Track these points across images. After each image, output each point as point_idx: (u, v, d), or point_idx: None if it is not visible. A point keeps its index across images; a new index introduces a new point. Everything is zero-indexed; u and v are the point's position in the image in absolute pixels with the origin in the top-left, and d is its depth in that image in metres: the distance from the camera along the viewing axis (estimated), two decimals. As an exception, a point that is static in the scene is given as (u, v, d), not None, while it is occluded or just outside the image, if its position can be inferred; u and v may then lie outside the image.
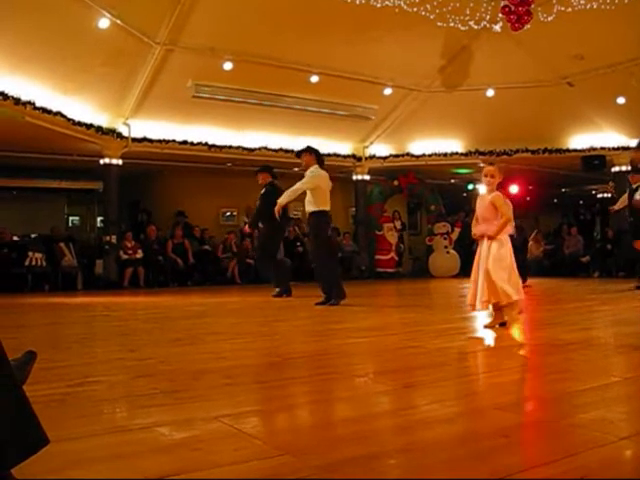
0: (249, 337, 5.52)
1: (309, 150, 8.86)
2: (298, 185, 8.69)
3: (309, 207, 8.54)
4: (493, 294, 5.39)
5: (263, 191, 10.28)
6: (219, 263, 15.17)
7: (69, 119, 12.00)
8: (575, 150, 16.12)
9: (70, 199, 18.28)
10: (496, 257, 5.46)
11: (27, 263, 13.01)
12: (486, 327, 5.56)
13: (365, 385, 3.45)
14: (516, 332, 5.29)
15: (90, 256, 14.23)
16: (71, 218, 18.74)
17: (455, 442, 2.26)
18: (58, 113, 11.64)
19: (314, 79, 13.60)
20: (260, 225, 10.39)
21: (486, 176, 5.71)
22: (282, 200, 8.85)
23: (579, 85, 14.18)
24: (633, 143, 15.92)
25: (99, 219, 17.55)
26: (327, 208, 8.52)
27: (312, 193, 8.50)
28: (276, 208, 8.89)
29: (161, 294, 11.63)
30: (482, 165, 16.98)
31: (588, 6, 11.10)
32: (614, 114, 14.92)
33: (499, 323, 5.56)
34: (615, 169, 16.17)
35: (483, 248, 5.56)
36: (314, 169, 8.64)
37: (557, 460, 2.01)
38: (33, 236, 14.70)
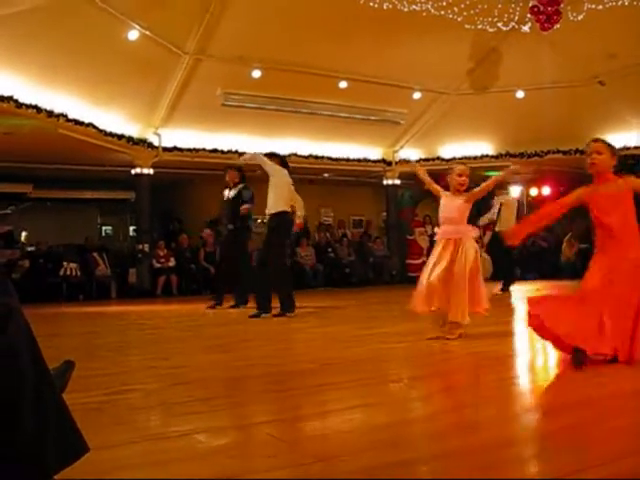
0: (283, 344, 5.53)
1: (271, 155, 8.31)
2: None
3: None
4: (477, 304, 5.15)
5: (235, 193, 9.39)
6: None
7: (101, 130, 12.15)
8: (608, 150, 15.88)
9: (103, 209, 18.49)
10: (475, 265, 5.18)
11: (62, 273, 13.18)
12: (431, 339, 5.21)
13: (399, 390, 3.43)
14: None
15: (123, 265, 14.36)
16: (104, 228, 18.95)
17: (490, 447, 2.23)
18: (90, 124, 11.79)
19: (343, 85, 13.61)
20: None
21: (461, 176, 5.46)
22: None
23: (611, 84, 13.99)
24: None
25: (132, 228, 17.72)
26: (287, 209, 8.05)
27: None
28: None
29: (194, 302, 11.70)
30: (513, 167, 16.89)
31: (619, 3, 10.95)
32: (648, 112, 14.71)
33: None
34: (649, 168, 15.94)
35: (451, 250, 5.18)
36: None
37: (595, 466, 1.98)
38: (67, 246, 14.89)
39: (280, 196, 7.96)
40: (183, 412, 2.85)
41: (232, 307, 9.19)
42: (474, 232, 5.52)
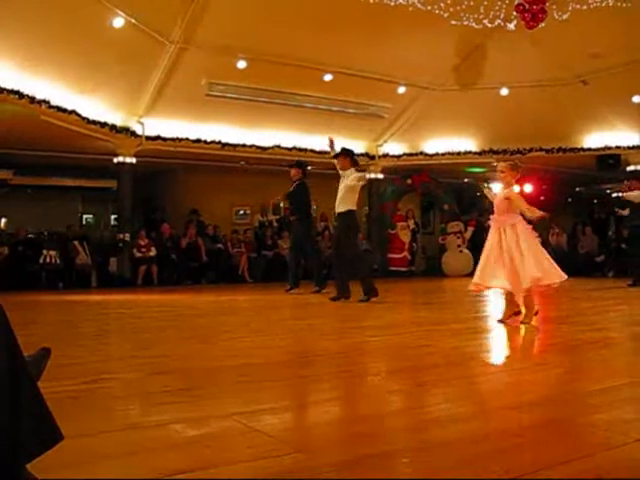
0: (263, 335, 5.53)
1: (345, 153, 9.17)
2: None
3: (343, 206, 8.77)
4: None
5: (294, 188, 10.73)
6: (232, 261, 15.19)
7: (83, 118, 12.05)
8: (590, 149, 16.00)
9: (84, 197, 18.37)
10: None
11: (41, 261, 13.09)
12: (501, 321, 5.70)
13: (379, 384, 3.45)
14: (531, 332, 5.27)
15: (104, 254, 14.29)
16: (85, 216, 18.83)
17: (468, 441, 2.25)
18: (73, 112, 11.69)
19: (328, 77, 13.59)
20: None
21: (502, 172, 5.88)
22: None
23: (594, 83, 14.09)
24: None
25: (113, 217, 17.63)
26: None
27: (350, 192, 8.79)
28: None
29: (174, 292, 11.68)
30: (495, 164, 16.98)
31: (604, 4, 11.02)
32: (629, 113, 14.80)
33: (514, 312, 5.70)
34: (630, 168, 16.04)
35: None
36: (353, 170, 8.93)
37: (571, 460, 2.00)
38: (48, 234, 14.79)
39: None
40: (161, 402, 2.84)
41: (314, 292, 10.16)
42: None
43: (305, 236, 10.57)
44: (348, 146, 15.72)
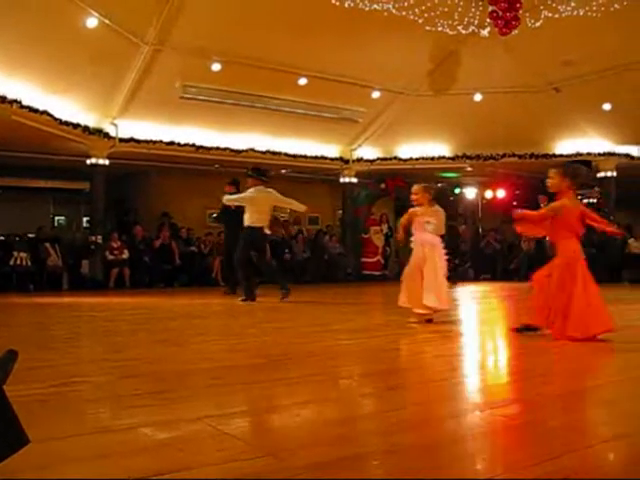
0: (235, 338, 5.51)
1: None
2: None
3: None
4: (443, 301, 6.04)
5: None
6: (205, 264, 15.12)
7: (56, 118, 11.92)
8: (561, 155, 16.17)
9: (56, 199, 18.16)
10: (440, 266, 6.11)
11: (12, 262, 12.92)
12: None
13: (350, 387, 3.45)
14: (502, 336, 5.32)
15: (76, 256, 14.14)
16: (57, 218, 18.63)
17: (439, 444, 2.27)
18: (45, 112, 11.56)
19: (302, 81, 13.60)
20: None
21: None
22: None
23: (566, 91, 14.26)
24: (619, 149, 16.03)
25: (85, 219, 17.45)
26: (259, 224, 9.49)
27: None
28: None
29: (147, 295, 11.59)
30: (469, 169, 17.12)
31: (575, 13, 11.17)
32: (600, 120, 15.00)
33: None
34: (600, 175, 16.27)
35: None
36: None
37: (540, 462, 2.02)
38: (18, 235, 14.60)
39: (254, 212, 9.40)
40: (131, 405, 2.82)
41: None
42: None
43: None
44: (322, 150, 15.90)
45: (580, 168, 5.48)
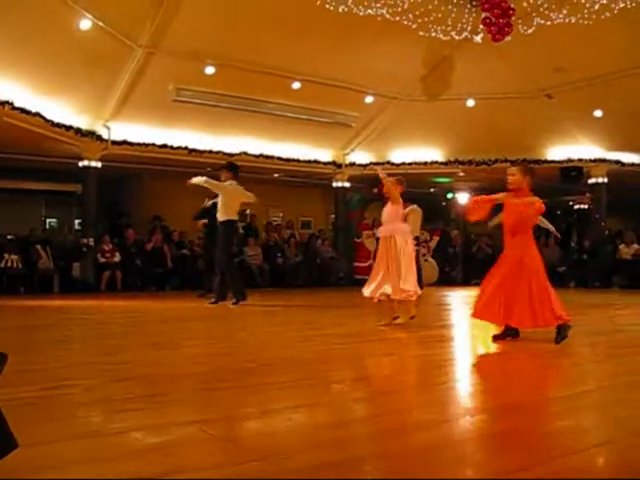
0: (227, 342, 5.51)
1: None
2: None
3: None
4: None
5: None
6: (197, 267, 15.08)
7: (48, 120, 11.88)
8: (553, 161, 16.23)
9: (48, 201, 18.11)
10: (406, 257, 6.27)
11: (3, 265, 12.85)
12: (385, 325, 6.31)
13: (342, 391, 3.45)
14: (492, 341, 5.33)
15: (67, 259, 14.08)
16: (49, 220, 18.56)
17: (431, 448, 2.27)
18: (37, 114, 11.52)
19: (296, 85, 13.61)
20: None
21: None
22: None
23: (557, 97, 14.31)
24: (609, 156, 16.10)
25: (77, 221, 17.39)
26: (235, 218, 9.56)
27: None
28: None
29: (139, 298, 11.56)
30: (462, 174, 17.16)
31: (567, 20, 11.21)
32: (591, 126, 15.06)
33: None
34: (592, 180, 16.34)
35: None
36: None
37: (531, 467, 2.03)
38: (9, 237, 14.52)
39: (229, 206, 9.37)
40: (122, 409, 2.82)
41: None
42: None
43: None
44: (315, 154, 15.90)
45: (535, 168, 5.82)
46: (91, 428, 2.55)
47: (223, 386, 3.42)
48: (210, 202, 10.09)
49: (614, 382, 3.69)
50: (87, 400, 3.08)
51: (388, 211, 6.55)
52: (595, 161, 16.14)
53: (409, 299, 6.21)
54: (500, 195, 5.36)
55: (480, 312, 5.24)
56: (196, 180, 9.51)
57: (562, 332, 4.96)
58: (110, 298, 11.66)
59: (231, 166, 9.94)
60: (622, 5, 10.73)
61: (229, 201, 9.44)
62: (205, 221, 11.18)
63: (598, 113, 14.22)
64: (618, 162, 16.20)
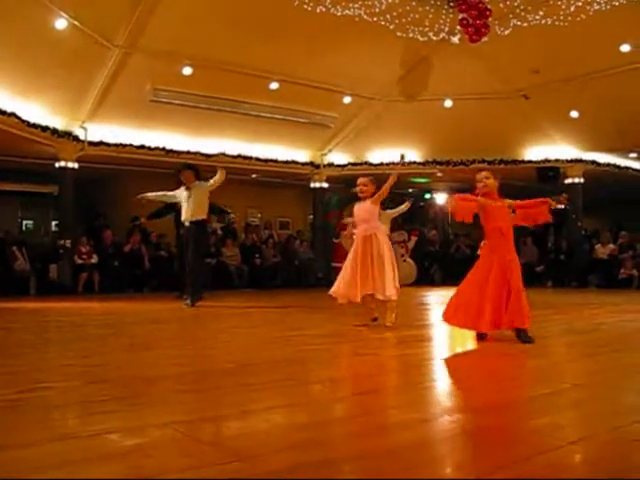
0: (204, 343, 5.48)
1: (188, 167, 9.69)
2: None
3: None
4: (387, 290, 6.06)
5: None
6: (174, 268, 15.00)
7: (24, 121, 11.76)
8: (530, 162, 16.37)
9: (24, 202, 17.93)
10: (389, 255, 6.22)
11: (-23, 267, 12.71)
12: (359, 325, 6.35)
13: (321, 392, 3.45)
14: (469, 340, 5.35)
15: (44, 260, 13.95)
16: (25, 222, 18.38)
17: (410, 448, 2.27)
18: (12, 114, 11.40)
19: (274, 86, 13.60)
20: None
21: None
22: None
23: (534, 98, 14.43)
24: (585, 156, 16.26)
25: (54, 223, 17.24)
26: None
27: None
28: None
29: (116, 300, 11.48)
30: (440, 175, 17.24)
31: (543, 21, 11.33)
32: (568, 127, 15.20)
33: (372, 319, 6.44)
34: (568, 181, 16.49)
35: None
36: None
37: (510, 465, 2.04)
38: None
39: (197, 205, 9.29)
40: (98, 411, 2.79)
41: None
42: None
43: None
44: (292, 155, 15.91)
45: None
46: (68, 431, 2.52)
47: (201, 387, 3.40)
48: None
49: (590, 379, 3.72)
50: (63, 402, 3.05)
51: (366, 209, 6.54)
52: (571, 161, 16.31)
53: (392, 298, 6.18)
54: (481, 198, 5.38)
55: (464, 320, 5.22)
56: (151, 196, 9.81)
57: (524, 336, 5.04)
58: (87, 300, 11.56)
59: (192, 167, 9.80)
60: (597, 7, 10.85)
61: (196, 201, 9.34)
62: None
63: (574, 114, 14.36)
64: (594, 162, 16.39)
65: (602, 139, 15.30)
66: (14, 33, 10.17)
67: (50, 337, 6.26)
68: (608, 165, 16.63)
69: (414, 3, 11.64)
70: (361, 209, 6.63)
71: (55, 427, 2.58)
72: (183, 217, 9.39)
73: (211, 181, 9.46)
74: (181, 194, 9.47)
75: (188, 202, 9.34)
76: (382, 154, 16.65)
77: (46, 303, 10.62)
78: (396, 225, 18.51)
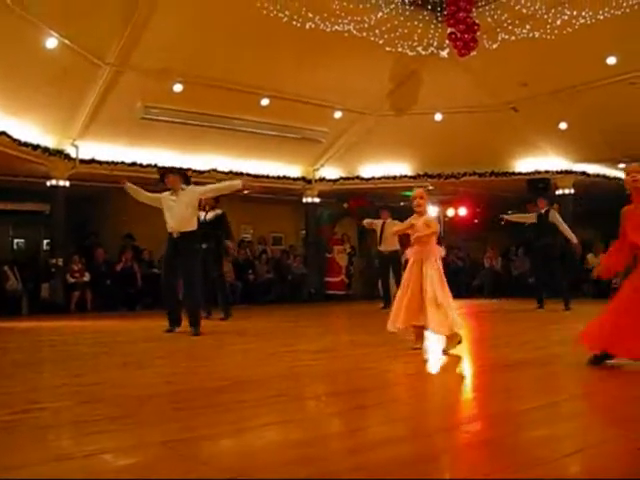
0: (199, 361, 5.47)
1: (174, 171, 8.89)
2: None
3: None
4: (441, 323, 5.26)
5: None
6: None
7: (15, 139, 11.73)
8: (521, 173, 16.43)
9: (16, 221, 17.87)
10: (439, 282, 5.37)
11: (-31, 287, 12.66)
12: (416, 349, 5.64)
13: (316, 407, 3.44)
14: (467, 353, 5.36)
15: (36, 279, 13.90)
16: (16, 240, 18.31)
17: (407, 462, 2.27)
18: (3, 133, 11.38)
19: (265, 102, 13.63)
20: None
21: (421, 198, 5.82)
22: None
23: (523, 110, 14.51)
24: (575, 167, 16.33)
25: (45, 242, 17.19)
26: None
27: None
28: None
29: (109, 318, 11.44)
30: (431, 188, 17.29)
31: (530, 35, 11.42)
32: (557, 139, 15.28)
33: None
34: (559, 192, 16.54)
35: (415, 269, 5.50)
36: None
37: (506, 477, 2.04)
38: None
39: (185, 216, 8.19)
40: (93, 431, 2.78)
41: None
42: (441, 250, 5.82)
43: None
44: (284, 170, 15.90)
45: None
46: (63, 451, 2.51)
47: (195, 405, 3.39)
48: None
49: (586, 391, 3.73)
50: (57, 423, 3.04)
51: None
52: (561, 173, 16.37)
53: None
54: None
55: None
56: (134, 187, 8.96)
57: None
58: (80, 319, 11.52)
59: (177, 171, 9.01)
60: (582, 21, 10.96)
61: (182, 209, 8.20)
62: None
63: (563, 125, 14.44)
64: (584, 173, 16.46)
65: (591, 150, 15.38)
66: (4, 52, 10.18)
67: (43, 356, 6.22)
68: (597, 176, 16.71)
69: (403, 18, 11.73)
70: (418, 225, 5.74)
71: (50, 448, 2.57)
72: (169, 227, 8.19)
73: (209, 186, 8.66)
74: (166, 200, 8.39)
75: (172, 210, 8.22)
76: (373, 168, 16.71)
77: (39, 322, 10.58)
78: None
